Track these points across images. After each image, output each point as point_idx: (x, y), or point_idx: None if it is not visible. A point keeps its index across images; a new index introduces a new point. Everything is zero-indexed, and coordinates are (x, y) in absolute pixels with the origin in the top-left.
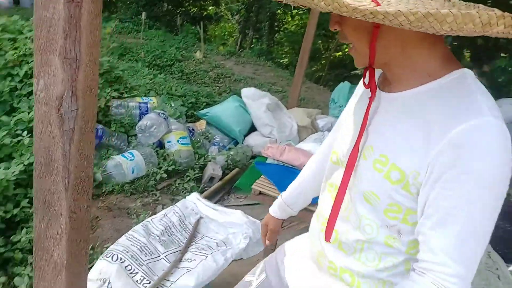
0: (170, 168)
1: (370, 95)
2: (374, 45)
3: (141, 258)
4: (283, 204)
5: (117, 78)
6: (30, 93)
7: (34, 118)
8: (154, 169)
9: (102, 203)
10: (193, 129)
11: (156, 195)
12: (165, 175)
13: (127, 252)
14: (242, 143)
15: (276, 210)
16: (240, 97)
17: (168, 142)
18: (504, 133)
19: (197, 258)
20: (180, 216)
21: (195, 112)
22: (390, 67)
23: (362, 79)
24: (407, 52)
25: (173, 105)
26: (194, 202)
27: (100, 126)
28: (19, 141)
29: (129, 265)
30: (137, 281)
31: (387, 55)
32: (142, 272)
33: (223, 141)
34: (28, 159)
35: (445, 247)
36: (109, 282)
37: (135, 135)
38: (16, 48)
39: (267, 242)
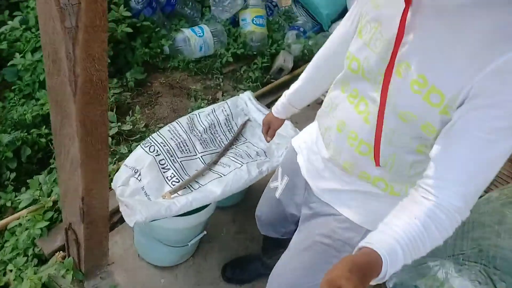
0: (239, 52)
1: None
2: None
3: (176, 155)
4: (287, 104)
5: None
6: None
7: (37, 7)
8: (222, 50)
9: (165, 79)
10: (276, 5)
11: (219, 80)
12: (231, 59)
13: (164, 145)
14: (327, 30)
15: (279, 110)
16: None
17: (243, 20)
18: None
19: (232, 165)
20: (228, 115)
21: None
22: None
23: None
24: None
25: None
26: (246, 102)
27: None
28: None
29: (163, 159)
30: (167, 177)
31: None
32: (174, 170)
33: (306, 25)
34: None
35: (467, 166)
36: (140, 174)
37: (210, 6)
38: None
39: (268, 139)
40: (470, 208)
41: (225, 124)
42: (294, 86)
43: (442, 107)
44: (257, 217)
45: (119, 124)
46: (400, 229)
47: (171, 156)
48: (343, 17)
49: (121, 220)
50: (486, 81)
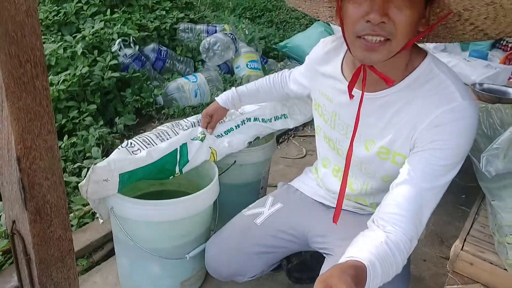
0: None
1: (357, 96)
2: (412, 42)
3: (154, 142)
4: (236, 98)
5: (187, 4)
6: (94, 13)
7: None
8: (219, 93)
9: (159, 123)
10: (267, 61)
11: None
12: None
13: (140, 137)
14: None
15: (226, 101)
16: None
17: (237, 67)
18: (472, 112)
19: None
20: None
21: (274, 45)
22: (384, 64)
23: (349, 84)
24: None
25: (246, 31)
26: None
27: (164, 48)
28: (74, 54)
29: (138, 149)
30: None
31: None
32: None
33: None
34: (81, 70)
35: (414, 199)
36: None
37: (203, 60)
38: None
39: (210, 130)
40: (419, 235)
41: (219, 122)
42: (246, 87)
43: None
44: (215, 253)
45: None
46: (374, 249)
47: (148, 144)
48: None
49: (103, 258)
50: (424, 134)
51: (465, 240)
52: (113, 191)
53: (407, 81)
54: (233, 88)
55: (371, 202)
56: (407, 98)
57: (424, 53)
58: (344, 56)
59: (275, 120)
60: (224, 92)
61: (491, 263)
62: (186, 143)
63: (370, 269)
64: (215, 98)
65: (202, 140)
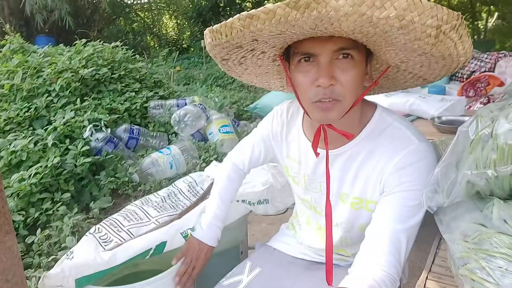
0: (211, 159)
1: (322, 154)
2: (361, 98)
3: (121, 224)
4: (222, 225)
5: (156, 82)
6: (65, 104)
7: None
8: (195, 161)
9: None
10: (239, 123)
11: None
12: (204, 165)
13: (107, 221)
14: None
15: (215, 238)
16: None
17: (210, 134)
18: (430, 152)
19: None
20: (191, 182)
21: (245, 109)
22: (340, 121)
23: (313, 144)
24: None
25: (216, 99)
26: (211, 170)
27: (136, 126)
28: (45, 146)
29: (105, 234)
30: (109, 249)
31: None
32: (118, 238)
33: None
34: (52, 161)
35: (390, 240)
36: (72, 252)
37: (176, 133)
38: (52, 64)
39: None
40: (400, 276)
41: (188, 191)
42: (219, 208)
43: None
44: None
45: None
46: (360, 283)
47: (115, 227)
48: None
49: None
50: (390, 178)
51: (426, 278)
52: None
53: (364, 132)
54: (212, 221)
55: (352, 252)
56: (369, 147)
57: (374, 105)
58: (303, 118)
59: (258, 204)
60: (206, 226)
61: None
62: (166, 241)
63: None
64: (198, 237)
65: (185, 238)
